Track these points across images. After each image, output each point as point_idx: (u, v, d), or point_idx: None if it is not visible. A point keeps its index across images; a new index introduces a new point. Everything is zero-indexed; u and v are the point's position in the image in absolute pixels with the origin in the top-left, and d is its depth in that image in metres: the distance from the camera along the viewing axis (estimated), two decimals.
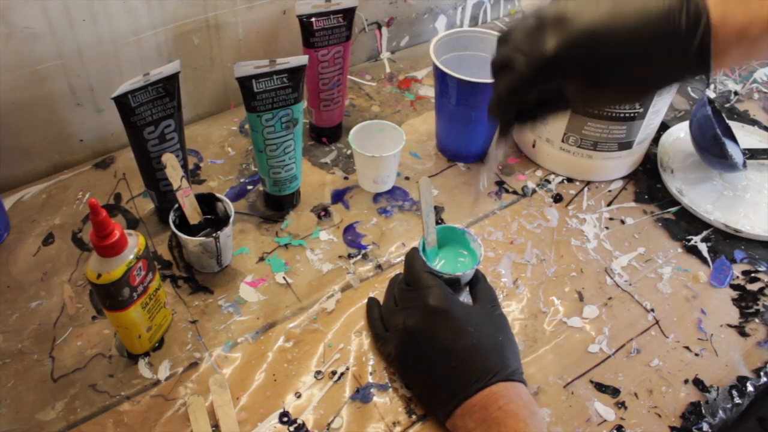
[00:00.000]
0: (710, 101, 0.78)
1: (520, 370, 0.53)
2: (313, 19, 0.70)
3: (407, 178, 0.78)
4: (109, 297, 0.53)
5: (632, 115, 0.72)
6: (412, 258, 0.59)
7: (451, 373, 0.52)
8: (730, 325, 0.66)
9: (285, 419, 0.56)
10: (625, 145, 0.76)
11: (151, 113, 0.62)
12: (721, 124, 0.81)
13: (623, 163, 0.79)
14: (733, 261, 0.72)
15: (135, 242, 0.53)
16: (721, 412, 0.59)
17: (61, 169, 0.77)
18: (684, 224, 0.76)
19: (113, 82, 0.71)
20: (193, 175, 0.77)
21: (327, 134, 0.82)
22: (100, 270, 0.51)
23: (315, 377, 0.59)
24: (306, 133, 0.83)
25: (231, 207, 0.65)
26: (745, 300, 0.68)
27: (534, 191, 0.78)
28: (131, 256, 0.52)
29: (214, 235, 0.62)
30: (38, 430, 0.54)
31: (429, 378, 0.54)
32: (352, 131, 0.74)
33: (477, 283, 0.60)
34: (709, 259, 0.72)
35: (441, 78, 0.73)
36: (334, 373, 0.59)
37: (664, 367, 0.62)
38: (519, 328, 0.64)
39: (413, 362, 0.55)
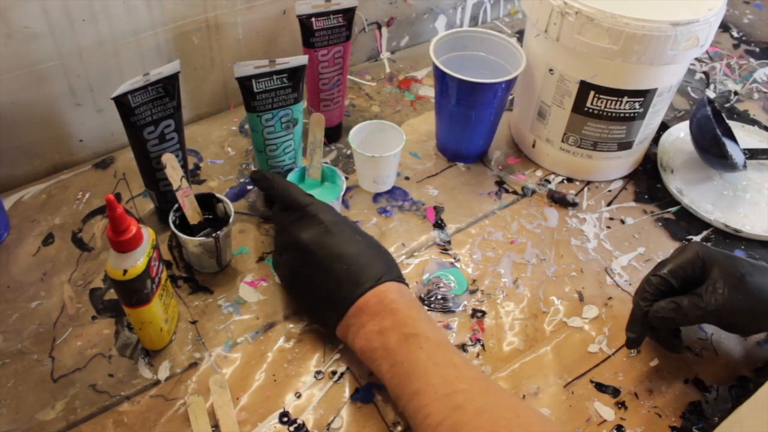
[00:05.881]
0: (710, 101, 0.78)
1: (389, 271, 0.57)
2: (312, 19, 0.70)
3: (407, 178, 0.78)
4: (136, 292, 0.53)
5: (632, 115, 0.72)
6: (285, 185, 0.63)
7: (344, 277, 0.55)
8: None
9: (285, 419, 0.56)
10: (625, 145, 0.76)
11: (151, 113, 0.62)
12: (721, 124, 0.81)
13: (623, 163, 0.79)
14: None
15: (148, 233, 0.54)
16: (721, 412, 0.59)
17: (61, 169, 0.77)
18: (684, 224, 0.76)
19: (113, 82, 0.71)
20: (193, 175, 0.77)
21: (327, 134, 0.82)
22: (125, 266, 0.51)
23: (315, 377, 0.59)
24: (306, 132, 0.83)
25: (231, 207, 0.65)
26: None
27: (534, 191, 0.78)
28: (149, 247, 0.53)
29: (214, 235, 0.62)
30: (38, 430, 0.54)
31: (322, 286, 0.57)
32: (352, 131, 0.74)
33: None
34: None
35: (441, 78, 0.73)
36: (334, 373, 0.59)
37: (664, 367, 0.62)
38: (519, 328, 0.64)
39: (307, 274, 0.58)
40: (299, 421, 0.56)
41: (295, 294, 0.62)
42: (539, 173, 0.81)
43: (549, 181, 0.79)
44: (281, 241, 0.62)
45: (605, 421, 0.57)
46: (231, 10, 0.79)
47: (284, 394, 0.57)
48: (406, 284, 0.58)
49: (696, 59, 1.02)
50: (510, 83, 0.73)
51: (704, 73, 1.00)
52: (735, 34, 1.10)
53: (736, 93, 0.97)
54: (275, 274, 0.65)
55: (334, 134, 0.83)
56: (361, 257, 0.57)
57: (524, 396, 0.58)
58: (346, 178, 0.73)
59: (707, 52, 1.04)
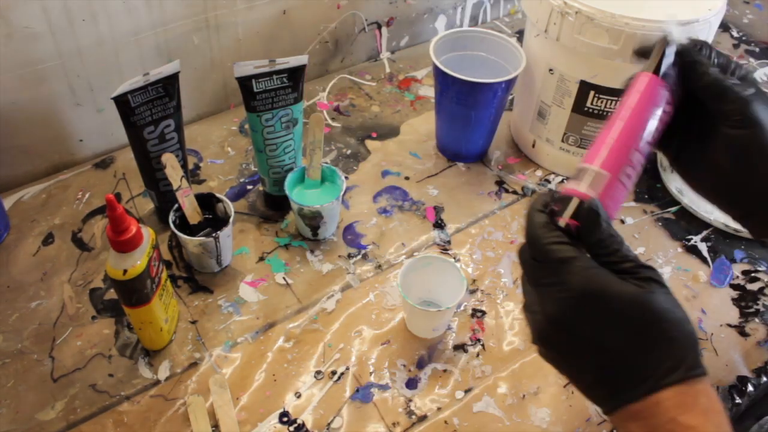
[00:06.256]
0: None
1: (698, 361, 0.42)
2: None
3: (407, 178, 0.78)
4: (136, 292, 0.53)
5: None
6: (533, 223, 0.42)
7: (607, 370, 0.41)
8: (730, 325, 0.66)
9: (285, 419, 0.56)
10: None
11: (151, 113, 0.62)
12: None
13: None
14: (733, 261, 0.72)
15: (147, 233, 0.54)
16: None
17: (61, 169, 0.77)
18: (684, 224, 0.76)
19: (113, 82, 0.71)
20: (193, 175, 0.77)
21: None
22: (125, 266, 0.51)
23: (315, 377, 0.59)
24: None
25: (231, 207, 0.65)
26: (745, 300, 0.68)
27: (534, 191, 0.78)
28: (149, 247, 0.53)
29: (214, 235, 0.62)
30: (38, 430, 0.54)
31: (579, 372, 0.44)
32: (400, 273, 0.60)
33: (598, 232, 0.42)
34: (709, 258, 0.72)
35: (441, 78, 0.73)
36: (334, 373, 0.59)
37: None
38: (519, 328, 0.64)
39: (557, 354, 0.45)
40: (299, 421, 0.56)
41: (545, 358, 0.47)
42: (539, 173, 0.81)
43: (549, 181, 0.79)
44: (526, 294, 0.45)
45: (605, 420, 0.57)
46: (231, 10, 0.79)
47: (284, 394, 0.57)
48: (701, 374, 0.42)
49: None
50: (510, 83, 0.73)
51: None
52: (735, 34, 1.10)
53: None
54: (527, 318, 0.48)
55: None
56: (631, 347, 0.41)
57: (524, 396, 0.58)
58: (346, 178, 0.73)
59: None
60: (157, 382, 0.58)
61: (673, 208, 0.77)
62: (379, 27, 0.96)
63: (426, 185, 0.78)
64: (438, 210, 0.75)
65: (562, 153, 0.78)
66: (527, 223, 0.43)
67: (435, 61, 0.72)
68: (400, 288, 0.59)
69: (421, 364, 0.60)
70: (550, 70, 0.72)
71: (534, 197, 0.47)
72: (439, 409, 0.57)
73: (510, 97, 0.85)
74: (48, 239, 0.69)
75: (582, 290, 0.40)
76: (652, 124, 0.43)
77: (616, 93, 0.69)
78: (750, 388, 0.60)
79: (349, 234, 0.72)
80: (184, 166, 0.67)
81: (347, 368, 0.60)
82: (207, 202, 0.66)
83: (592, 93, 0.70)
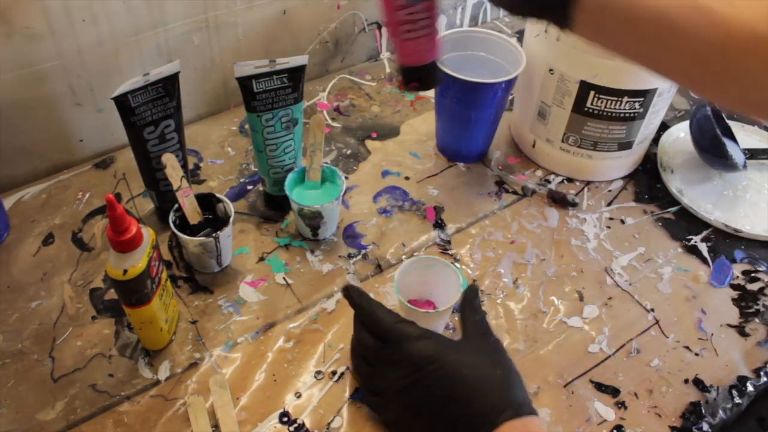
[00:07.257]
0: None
1: (527, 401, 0.49)
2: None
3: (407, 178, 0.78)
4: (136, 292, 0.53)
5: (632, 115, 0.72)
6: (371, 309, 0.53)
7: (456, 422, 0.48)
8: (730, 325, 0.66)
9: (285, 419, 0.56)
10: (625, 145, 0.76)
11: (151, 113, 0.62)
12: (721, 124, 0.81)
13: (623, 163, 0.79)
14: (733, 261, 0.72)
15: (148, 233, 0.54)
16: (721, 412, 0.59)
17: (61, 169, 0.77)
18: (684, 224, 0.76)
19: (113, 82, 0.71)
20: (193, 175, 0.77)
21: (417, 77, 0.55)
22: (125, 266, 0.51)
23: (315, 377, 0.59)
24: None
25: (231, 207, 0.65)
26: (745, 300, 0.68)
27: (534, 191, 0.78)
28: (149, 247, 0.53)
29: (214, 235, 0.62)
30: (38, 430, 0.54)
31: (434, 428, 0.50)
32: (397, 274, 0.59)
33: (465, 309, 0.56)
34: (709, 259, 0.72)
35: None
36: (334, 373, 0.59)
37: (664, 367, 0.62)
38: (519, 328, 0.64)
39: (415, 420, 0.51)
40: (299, 421, 0.56)
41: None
42: (539, 173, 0.81)
43: (549, 181, 0.79)
44: (371, 378, 0.54)
45: (605, 421, 0.57)
46: (231, 10, 0.79)
47: (284, 394, 0.57)
48: (532, 412, 0.48)
49: None
50: (510, 83, 0.73)
51: None
52: None
53: None
54: (367, 404, 0.57)
55: (427, 78, 0.55)
56: (472, 397, 0.48)
57: None
58: (346, 178, 0.73)
59: None
60: (157, 382, 0.58)
61: (673, 208, 0.77)
62: (379, 27, 0.96)
63: (426, 185, 0.78)
64: (438, 210, 0.75)
65: (563, 153, 0.78)
66: (368, 314, 0.53)
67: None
68: (397, 288, 0.58)
69: None
70: (551, 70, 0.72)
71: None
72: None
73: (510, 98, 0.85)
74: (48, 239, 0.69)
75: (428, 357, 0.49)
76: None
77: (617, 93, 0.69)
78: (750, 388, 0.61)
79: (349, 234, 0.72)
80: (184, 166, 0.67)
81: (347, 368, 0.59)
82: (207, 202, 0.66)
83: (592, 93, 0.70)
